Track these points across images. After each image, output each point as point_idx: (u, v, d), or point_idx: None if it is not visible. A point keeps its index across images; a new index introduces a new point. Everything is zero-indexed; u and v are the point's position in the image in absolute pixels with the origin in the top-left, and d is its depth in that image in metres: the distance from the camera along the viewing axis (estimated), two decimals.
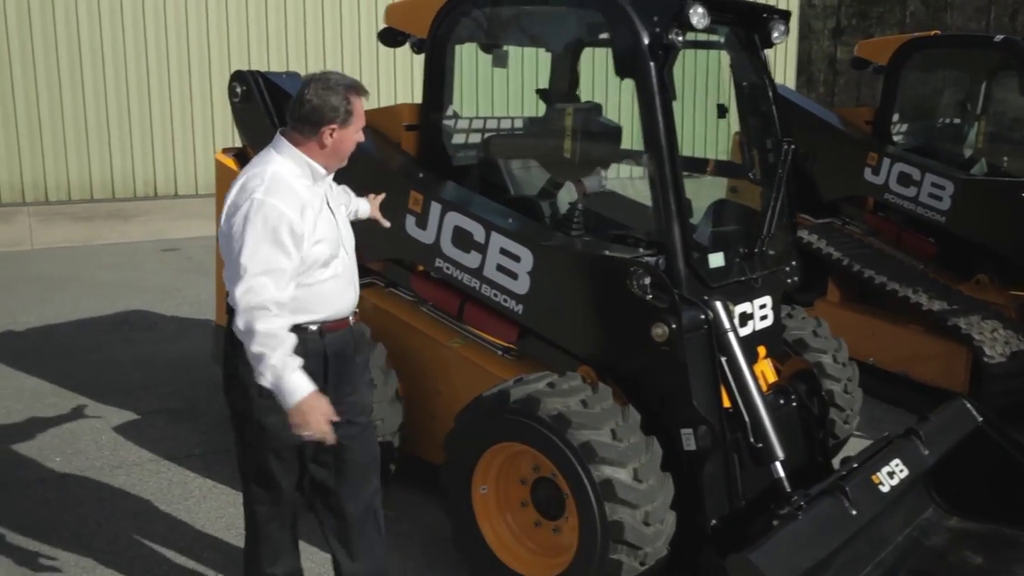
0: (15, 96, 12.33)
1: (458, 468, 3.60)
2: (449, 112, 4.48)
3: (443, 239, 4.12)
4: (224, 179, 4.92)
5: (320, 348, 3.00)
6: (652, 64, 3.63)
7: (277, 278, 2.78)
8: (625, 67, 3.78)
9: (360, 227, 4.39)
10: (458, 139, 4.63)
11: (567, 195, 4.33)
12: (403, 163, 4.35)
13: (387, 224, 3.82)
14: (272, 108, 4.74)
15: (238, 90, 4.79)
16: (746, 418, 3.61)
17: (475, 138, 4.72)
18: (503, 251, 3.91)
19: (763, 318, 4.09)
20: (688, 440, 3.49)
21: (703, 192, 4.83)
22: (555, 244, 3.80)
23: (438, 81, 4.36)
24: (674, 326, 3.44)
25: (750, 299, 4.01)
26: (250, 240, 2.77)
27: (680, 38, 3.63)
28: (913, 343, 6.04)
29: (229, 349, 3.01)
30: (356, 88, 2.95)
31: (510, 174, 4.51)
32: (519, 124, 4.99)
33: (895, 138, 6.82)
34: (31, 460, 4.87)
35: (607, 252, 3.66)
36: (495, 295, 3.97)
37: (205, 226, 11.60)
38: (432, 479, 3.96)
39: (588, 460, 3.19)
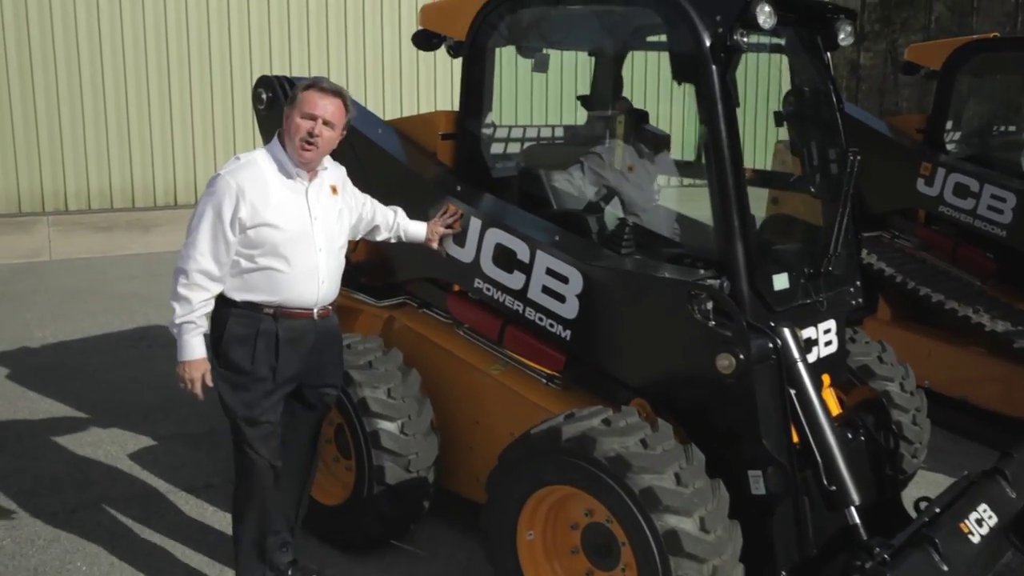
0: (36, 104, 12.19)
1: (502, 511, 3.29)
2: (488, 120, 4.18)
3: (483, 257, 3.82)
4: None
5: (272, 329, 3.26)
6: (714, 68, 3.32)
7: (212, 249, 3.12)
8: (684, 71, 3.48)
9: (392, 246, 4.13)
10: (496, 149, 4.34)
11: (615, 210, 4.01)
12: (439, 174, 4.05)
13: (444, 254, 3.85)
14: None
15: (263, 96, 4.51)
16: (818, 458, 3.29)
17: (513, 148, 4.43)
18: (550, 271, 3.60)
19: (827, 344, 3.76)
20: (757, 483, 3.16)
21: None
22: (607, 265, 3.48)
23: (477, 87, 4.06)
24: (741, 356, 3.12)
25: (815, 323, 3.69)
26: (200, 209, 3.16)
27: (745, 39, 3.32)
28: (973, 365, 5.68)
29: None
30: (316, 84, 3.24)
31: (552, 187, 4.20)
32: (561, 133, 4.69)
33: (948, 147, 6.46)
34: (42, 491, 4.60)
35: (666, 274, 3.34)
36: (540, 319, 3.66)
37: None
38: (467, 514, 3.66)
39: (650, 508, 2.87)
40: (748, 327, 3.15)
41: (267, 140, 4.64)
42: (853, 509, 3.26)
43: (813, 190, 4.15)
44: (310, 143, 3.20)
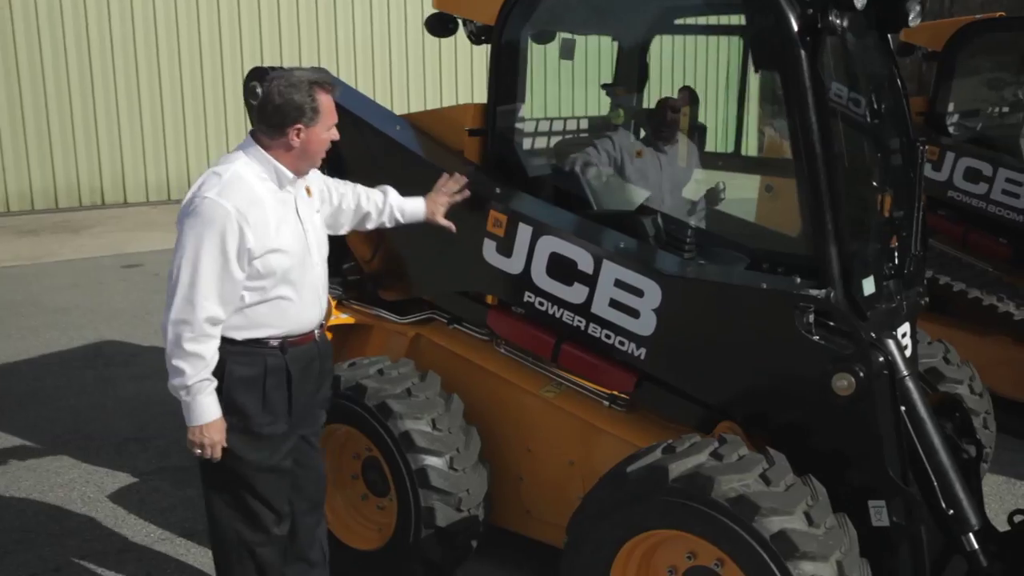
0: None
1: (592, 561, 2.89)
2: (520, 113, 3.75)
3: (535, 268, 3.40)
4: None
5: (281, 364, 2.84)
6: (803, 53, 2.96)
7: (218, 291, 2.65)
8: (766, 57, 3.14)
9: (419, 257, 3.67)
10: (529, 144, 3.91)
11: (675, 210, 3.63)
12: (472, 175, 3.60)
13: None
14: None
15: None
16: (934, 480, 2.98)
17: (542, 142, 4.01)
18: (619, 283, 3.20)
19: (904, 348, 3.47)
20: (879, 514, 2.84)
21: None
22: (691, 276, 3.10)
23: (509, 76, 3.62)
24: (862, 375, 2.79)
25: (894, 328, 3.39)
26: (194, 244, 2.63)
27: (840, 21, 2.97)
28: (999, 355, 5.50)
29: None
30: (321, 83, 2.77)
31: (597, 186, 3.80)
32: (596, 125, 4.28)
33: (949, 130, 6.28)
34: (15, 548, 4.00)
35: (764, 284, 2.98)
36: (607, 336, 3.26)
37: (167, 238, 10.62)
38: (512, 549, 3.26)
39: (786, 555, 2.50)
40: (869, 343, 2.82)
41: None
42: (971, 534, 2.98)
43: (874, 183, 3.85)
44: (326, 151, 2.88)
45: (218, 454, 2.77)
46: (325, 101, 2.77)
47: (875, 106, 3.77)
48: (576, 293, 3.31)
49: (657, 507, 2.72)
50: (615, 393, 3.47)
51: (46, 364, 6.44)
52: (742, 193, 3.71)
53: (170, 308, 2.66)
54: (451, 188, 3.45)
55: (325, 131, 2.79)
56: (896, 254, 3.50)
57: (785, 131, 3.37)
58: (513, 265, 3.45)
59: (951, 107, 6.30)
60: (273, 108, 2.72)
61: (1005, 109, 6.77)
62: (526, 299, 3.44)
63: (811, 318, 2.91)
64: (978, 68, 6.41)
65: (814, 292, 2.92)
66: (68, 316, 7.65)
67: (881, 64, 3.72)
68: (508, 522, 3.71)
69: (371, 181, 3.80)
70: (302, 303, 2.86)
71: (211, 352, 2.69)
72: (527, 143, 3.86)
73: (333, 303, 3.90)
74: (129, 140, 13.28)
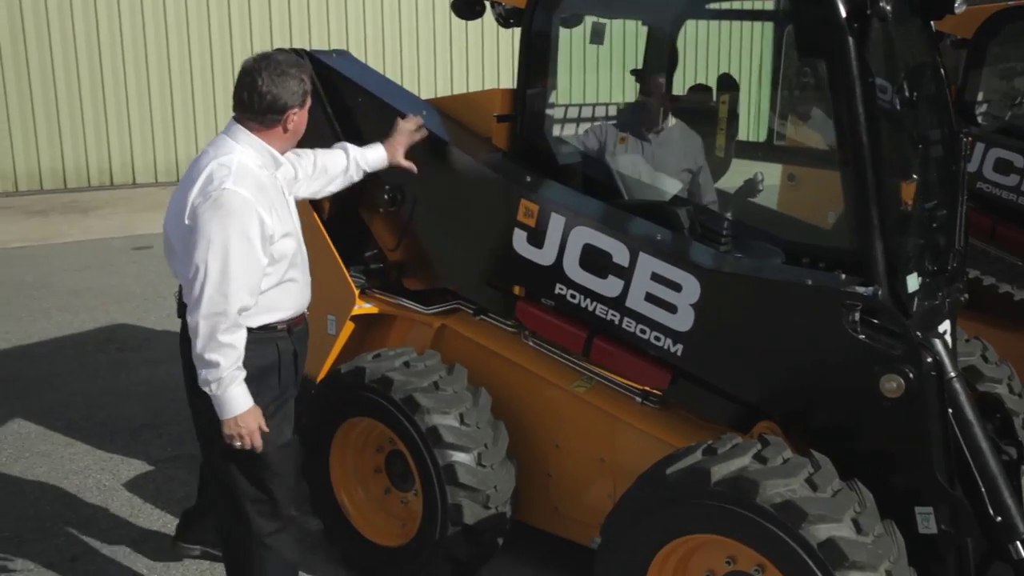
0: None
1: (626, 563, 2.80)
2: (551, 99, 3.64)
3: (567, 260, 3.30)
4: None
5: (290, 347, 2.93)
6: (851, 40, 2.84)
7: (248, 281, 2.68)
8: (811, 44, 3.04)
9: (446, 245, 3.57)
10: (559, 131, 3.80)
11: (709, 200, 3.52)
12: (503, 164, 3.49)
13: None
14: (324, 95, 3.84)
15: None
16: (981, 485, 2.89)
17: (575, 129, 3.90)
18: (656, 277, 3.10)
19: (949, 347, 3.37)
20: (927, 521, 2.75)
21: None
22: (732, 271, 3.00)
23: (539, 60, 3.51)
24: (912, 376, 2.69)
25: (936, 326, 3.28)
26: (221, 236, 2.62)
27: (889, 6, 2.85)
28: None
29: (187, 347, 2.78)
30: (301, 65, 2.85)
31: (627, 174, 3.69)
32: (624, 111, 4.16)
33: (978, 120, 6.14)
34: (30, 536, 3.94)
35: (809, 280, 2.87)
36: (642, 331, 3.16)
37: None
38: (538, 546, 3.17)
39: (835, 565, 2.41)
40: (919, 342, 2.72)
41: None
42: (1020, 543, 2.88)
43: (914, 177, 3.73)
44: None
45: (258, 442, 2.77)
46: (308, 81, 2.85)
47: (917, 96, 3.66)
48: (610, 286, 3.21)
49: (698, 511, 2.63)
50: (647, 389, 3.38)
51: (59, 347, 6.36)
52: (776, 184, 3.60)
53: (200, 303, 2.63)
54: (408, 128, 3.47)
55: (306, 110, 2.86)
56: (938, 249, 3.39)
57: (821, 120, 3.26)
58: (544, 256, 3.35)
59: (980, 96, 6.16)
60: (272, 99, 2.73)
61: None
62: (557, 291, 3.35)
63: (857, 316, 2.81)
64: (1009, 56, 6.26)
65: (861, 290, 2.82)
66: (80, 298, 7.57)
67: (923, 53, 3.61)
68: (534, 519, 3.63)
69: (395, 169, 3.72)
70: (305, 284, 2.97)
71: (242, 341, 2.71)
72: (557, 129, 3.75)
73: (356, 292, 3.80)
74: (138, 120, 13.15)
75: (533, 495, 3.58)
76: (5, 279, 8.18)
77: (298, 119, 2.82)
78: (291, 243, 2.84)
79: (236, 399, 2.71)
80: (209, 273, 2.62)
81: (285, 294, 2.87)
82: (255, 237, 2.66)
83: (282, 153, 2.89)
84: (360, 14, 14.27)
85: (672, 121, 3.95)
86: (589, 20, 3.80)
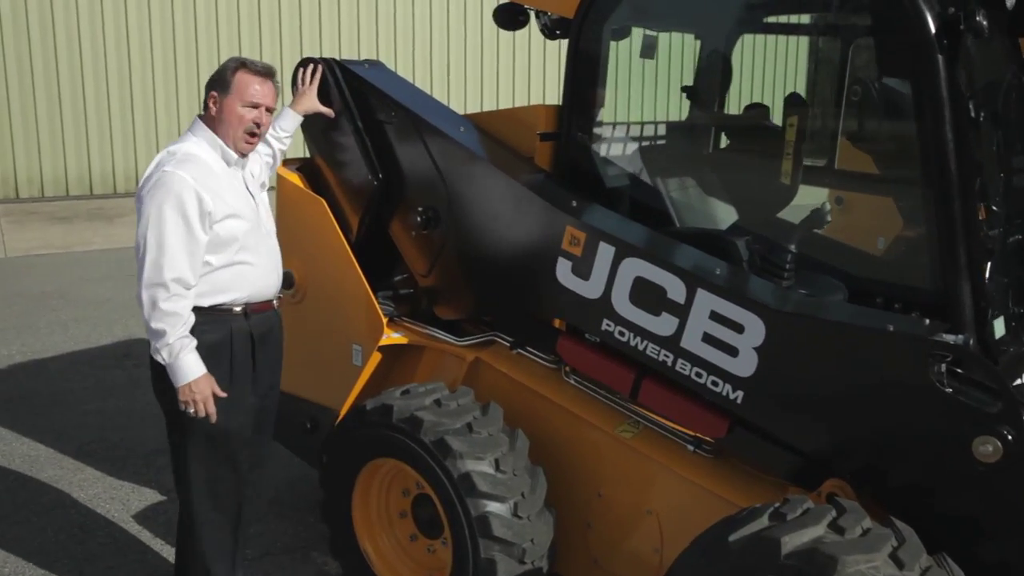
0: None
1: None
2: (599, 117, 3.37)
3: (616, 294, 3.02)
4: (287, 199, 3.78)
5: (246, 328, 3.02)
6: (940, 58, 2.55)
7: (185, 254, 2.80)
8: (896, 63, 2.75)
9: (483, 273, 3.30)
10: (608, 151, 3.53)
11: (773, 233, 3.23)
12: (547, 187, 3.22)
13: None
14: (355, 107, 3.59)
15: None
16: None
17: (626, 149, 3.62)
18: (715, 316, 2.81)
19: None
20: None
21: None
22: (802, 312, 2.70)
23: (587, 75, 3.25)
24: (1010, 439, 2.38)
25: (1020, 373, 2.97)
26: (157, 212, 2.78)
27: (985, 22, 2.56)
28: None
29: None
30: (247, 65, 2.96)
31: (681, 200, 3.41)
32: (677, 130, 3.88)
33: None
34: (31, 572, 3.70)
35: (891, 327, 2.57)
36: (698, 375, 2.87)
37: None
38: None
39: None
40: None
41: (313, 138, 3.81)
42: None
43: (995, 208, 3.42)
44: (255, 134, 2.99)
45: (212, 408, 2.89)
46: (240, 77, 2.92)
47: (1002, 119, 3.35)
48: (664, 324, 2.92)
49: None
50: (699, 436, 3.10)
51: (74, 363, 6.16)
52: (844, 214, 3.31)
53: (141, 275, 2.80)
54: (306, 80, 3.56)
55: (237, 103, 2.91)
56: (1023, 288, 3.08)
57: (900, 146, 2.98)
58: (591, 289, 3.07)
59: None
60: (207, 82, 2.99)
61: None
62: (604, 327, 3.06)
63: (944, 368, 2.51)
64: None
65: (949, 338, 2.51)
66: (99, 310, 7.38)
67: (1009, 72, 3.30)
68: (571, 571, 3.34)
69: (431, 185, 3.47)
70: (262, 269, 3.03)
71: (187, 310, 2.83)
72: (605, 150, 3.47)
73: (384, 320, 3.54)
74: (165, 126, 13.03)
75: (570, 545, 3.28)
76: (25, 288, 8.02)
77: (220, 107, 2.92)
78: (240, 224, 2.93)
79: (188, 366, 2.83)
80: (148, 247, 2.78)
81: (239, 277, 2.96)
82: (192, 214, 2.79)
83: (236, 149, 2.96)
84: (390, 23, 14.08)
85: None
86: (639, 33, 3.54)
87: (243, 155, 3.02)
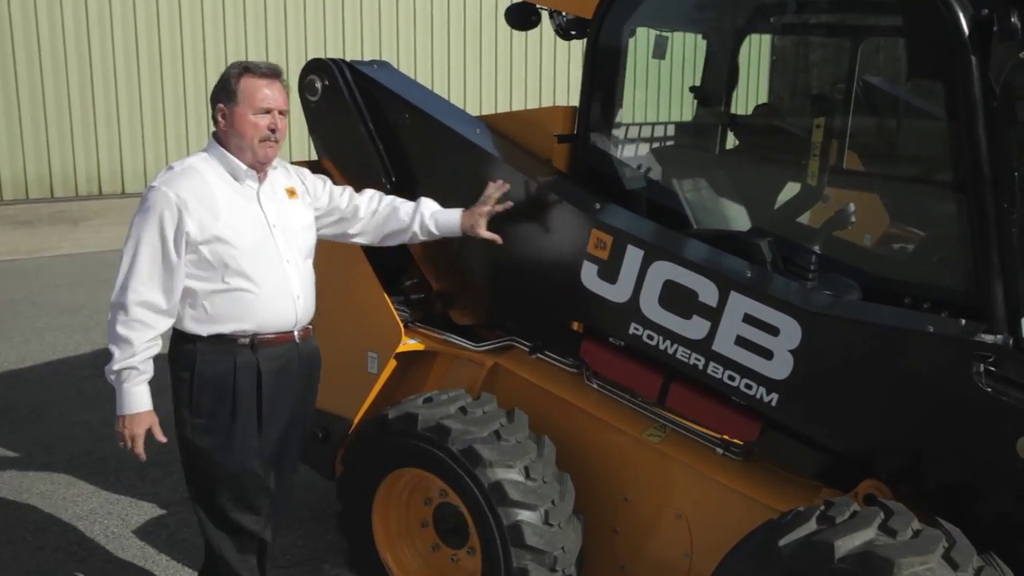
0: None
1: None
2: (618, 118, 3.34)
3: (645, 297, 2.99)
4: None
5: (252, 362, 2.79)
6: (973, 59, 2.56)
7: (155, 276, 2.65)
8: (926, 63, 2.74)
9: (503, 277, 3.24)
10: (626, 153, 3.50)
11: (796, 234, 3.23)
12: (570, 189, 3.18)
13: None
14: (366, 110, 3.52)
15: (317, 85, 3.54)
16: None
17: (642, 150, 3.59)
18: (749, 319, 2.79)
19: None
20: None
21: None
22: (840, 315, 2.69)
23: (606, 76, 3.22)
24: None
25: None
26: (136, 231, 2.67)
27: (1021, 23, 2.57)
28: None
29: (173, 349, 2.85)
30: (251, 69, 2.77)
31: (699, 201, 3.39)
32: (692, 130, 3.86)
33: None
34: None
35: (930, 328, 2.57)
36: (731, 378, 2.85)
37: None
38: None
39: None
40: None
41: (322, 141, 3.72)
42: None
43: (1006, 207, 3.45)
44: (274, 140, 2.80)
45: (139, 450, 2.74)
46: (245, 83, 2.75)
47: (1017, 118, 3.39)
48: (695, 328, 2.90)
49: None
50: (727, 439, 3.08)
51: (53, 373, 5.98)
52: (873, 216, 3.31)
53: (113, 292, 2.70)
54: (492, 197, 3.17)
55: (251, 113, 2.74)
56: None
57: (932, 147, 2.98)
58: (618, 293, 3.04)
59: None
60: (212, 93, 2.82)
61: None
62: (632, 331, 3.03)
63: (982, 368, 2.52)
64: None
65: (989, 338, 2.52)
66: (74, 317, 7.18)
67: None
68: None
69: (446, 188, 3.41)
70: (266, 298, 2.78)
71: (141, 340, 2.66)
72: (624, 151, 3.44)
73: (401, 326, 3.48)
74: (128, 127, 12.75)
75: (596, 552, 3.25)
76: None
77: (229, 119, 2.76)
78: (229, 250, 2.71)
79: (130, 398, 2.70)
80: (122, 265, 2.67)
81: (238, 305, 2.75)
82: (168, 234, 2.65)
83: (250, 163, 2.78)
84: (394, 21, 13.88)
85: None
86: (647, 33, 3.52)
87: (257, 169, 2.81)
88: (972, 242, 2.64)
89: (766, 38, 3.63)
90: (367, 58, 4.06)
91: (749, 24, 3.57)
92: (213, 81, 2.84)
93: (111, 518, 4.16)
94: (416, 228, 3.17)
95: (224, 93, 2.77)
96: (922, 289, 2.85)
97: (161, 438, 2.76)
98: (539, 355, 3.42)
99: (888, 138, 3.09)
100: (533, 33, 3.79)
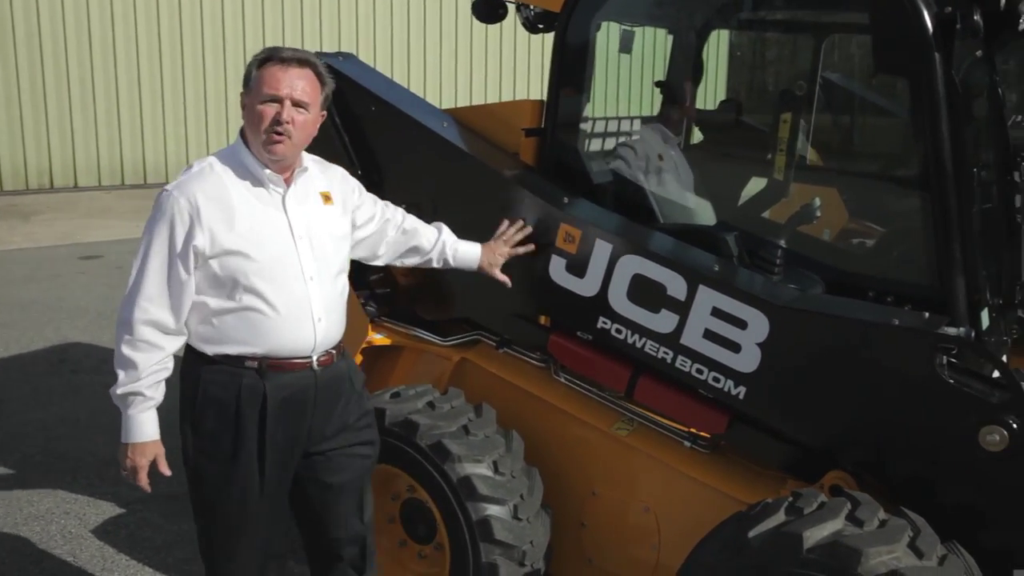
0: None
1: None
2: (586, 112, 3.35)
3: (613, 291, 2.99)
4: None
5: (258, 388, 2.49)
6: (937, 56, 2.61)
7: (164, 292, 2.41)
8: (891, 59, 2.77)
9: (472, 275, 3.22)
10: (593, 147, 3.50)
11: (762, 229, 3.25)
12: (538, 183, 3.18)
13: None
14: (332, 102, 3.46)
15: None
16: None
17: (610, 144, 3.60)
18: (717, 312, 2.81)
19: None
20: None
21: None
22: (807, 308, 2.72)
23: (574, 70, 3.21)
24: (1015, 427, 2.45)
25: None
26: (147, 240, 2.44)
27: (982, 21, 2.62)
28: None
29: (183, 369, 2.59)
30: (272, 56, 2.47)
31: (668, 197, 3.41)
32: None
33: None
34: None
35: (896, 321, 2.61)
36: (699, 371, 2.88)
37: (127, 228, 9.93)
38: None
39: None
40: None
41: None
42: None
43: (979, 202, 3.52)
44: (280, 133, 2.43)
45: (144, 482, 2.53)
46: (266, 70, 2.45)
47: (976, 118, 3.45)
48: (664, 321, 2.91)
49: None
50: (694, 432, 3.10)
51: (6, 370, 5.83)
52: (837, 211, 3.35)
53: (120, 307, 2.48)
54: (514, 238, 3.08)
55: (259, 102, 2.44)
56: (1000, 281, 3.18)
57: (893, 143, 3.02)
58: (587, 287, 3.04)
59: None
60: None
61: None
62: (600, 325, 3.04)
63: (945, 360, 2.57)
64: None
65: (952, 331, 2.57)
66: (26, 313, 7.00)
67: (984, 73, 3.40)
68: (565, 571, 3.31)
69: (412, 181, 3.38)
70: (280, 320, 2.49)
71: (147, 363, 2.43)
72: (591, 145, 3.45)
73: (367, 320, 3.44)
74: (81, 119, 12.48)
75: (563, 546, 3.25)
76: None
77: (247, 107, 2.48)
78: (242, 264, 2.42)
79: (133, 424, 2.47)
80: (132, 273, 2.45)
81: (246, 325, 2.46)
82: (178, 245, 2.40)
83: (269, 163, 2.48)
84: (370, 14, 13.76)
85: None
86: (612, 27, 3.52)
87: (278, 169, 2.50)
88: (934, 237, 2.69)
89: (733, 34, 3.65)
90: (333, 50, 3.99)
91: (714, 20, 3.60)
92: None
93: (69, 518, 4.07)
94: (434, 255, 3.03)
95: (245, 82, 2.50)
96: (885, 283, 2.91)
97: (166, 471, 2.53)
98: (506, 349, 3.41)
99: (851, 135, 3.13)
100: (494, 26, 3.77)
